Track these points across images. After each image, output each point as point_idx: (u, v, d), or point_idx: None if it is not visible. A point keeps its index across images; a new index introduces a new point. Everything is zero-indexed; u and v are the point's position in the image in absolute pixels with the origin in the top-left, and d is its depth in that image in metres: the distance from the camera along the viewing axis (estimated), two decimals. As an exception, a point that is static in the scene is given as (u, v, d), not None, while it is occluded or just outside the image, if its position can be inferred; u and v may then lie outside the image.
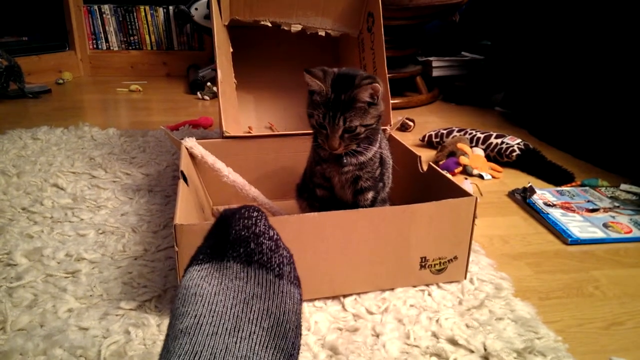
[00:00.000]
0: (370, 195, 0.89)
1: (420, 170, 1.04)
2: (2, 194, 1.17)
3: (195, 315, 0.42)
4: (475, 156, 1.47)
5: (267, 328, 0.43)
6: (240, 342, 0.41)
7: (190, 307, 0.43)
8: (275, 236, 0.49)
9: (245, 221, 0.48)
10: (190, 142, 1.05)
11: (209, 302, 0.43)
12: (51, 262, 0.90)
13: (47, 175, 1.29)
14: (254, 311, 0.44)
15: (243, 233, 0.47)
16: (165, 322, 0.75)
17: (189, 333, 0.41)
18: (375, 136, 0.86)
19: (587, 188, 1.32)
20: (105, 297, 0.82)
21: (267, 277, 0.46)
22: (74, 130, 1.66)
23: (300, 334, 0.47)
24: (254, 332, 0.42)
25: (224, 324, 0.42)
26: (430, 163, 1.01)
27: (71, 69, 2.62)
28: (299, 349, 0.46)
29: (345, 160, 0.84)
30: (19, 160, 1.39)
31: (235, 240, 0.47)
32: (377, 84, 0.78)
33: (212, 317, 0.42)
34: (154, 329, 0.74)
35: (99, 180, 1.27)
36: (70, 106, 2.12)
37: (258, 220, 0.48)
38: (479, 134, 1.58)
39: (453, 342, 0.73)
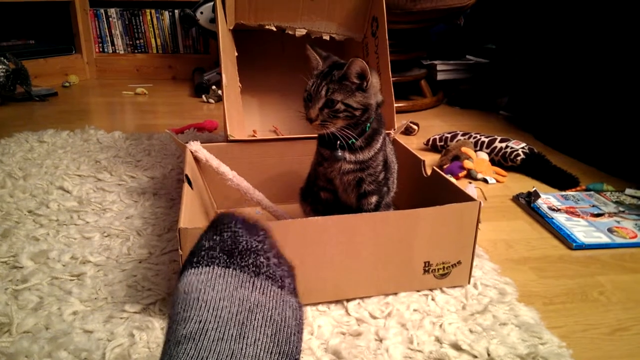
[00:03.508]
0: (374, 199, 0.89)
1: (424, 174, 1.04)
2: (8, 197, 1.18)
3: (200, 321, 0.43)
4: (479, 160, 1.47)
5: (271, 335, 0.44)
6: (245, 348, 0.42)
7: (193, 312, 0.43)
8: (278, 253, 0.52)
9: (255, 237, 0.50)
10: (195, 146, 1.05)
11: (213, 307, 0.44)
12: (57, 265, 0.91)
13: (53, 178, 1.30)
14: (258, 319, 0.44)
15: (254, 245, 0.49)
16: (169, 325, 0.76)
17: (194, 338, 0.41)
18: (376, 136, 0.86)
19: (592, 193, 1.32)
20: (110, 300, 0.82)
21: (272, 287, 0.48)
22: (80, 133, 1.67)
23: (301, 339, 0.47)
24: (259, 339, 0.43)
25: (229, 330, 0.42)
26: (434, 167, 1.01)
27: (77, 72, 2.63)
28: (300, 352, 0.46)
29: (339, 154, 0.84)
30: (25, 163, 1.40)
31: (245, 250, 0.49)
32: (365, 63, 0.79)
33: (218, 322, 0.43)
34: (158, 332, 0.74)
35: (105, 183, 1.28)
36: (76, 109, 2.14)
37: (265, 238, 0.51)
38: (483, 138, 1.57)
39: (456, 347, 0.73)
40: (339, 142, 0.84)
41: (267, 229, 0.53)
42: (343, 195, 0.91)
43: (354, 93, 0.81)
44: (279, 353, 0.43)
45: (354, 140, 0.83)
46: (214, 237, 0.50)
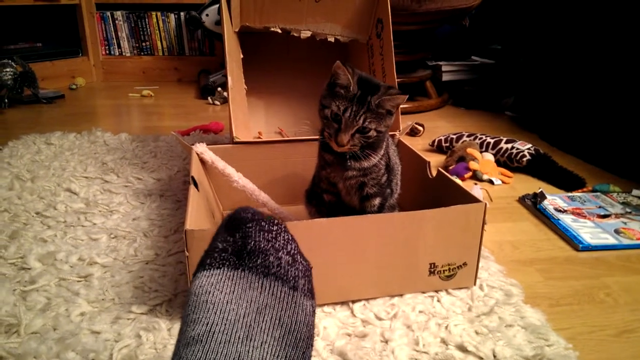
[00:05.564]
0: (377, 201, 0.90)
1: (430, 175, 1.04)
2: (16, 199, 1.19)
3: (207, 323, 0.43)
4: (485, 161, 1.47)
5: (279, 337, 0.44)
6: (252, 350, 0.41)
7: (202, 314, 0.44)
8: (293, 250, 0.50)
9: (266, 234, 0.49)
10: (201, 148, 1.06)
11: (221, 310, 0.44)
12: (64, 266, 0.92)
13: (60, 180, 1.31)
14: (266, 321, 0.44)
15: (263, 245, 0.48)
16: (176, 326, 0.76)
17: (201, 340, 0.42)
18: (380, 144, 0.86)
19: (598, 194, 1.31)
20: (117, 301, 0.83)
21: (282, 289, 0.47)
22: (86, 135, 1.69)
23: (312, 345, 0.47)
24: (266, 342, 0.43)
25: (236, 332, 0.42)
26: (440, 168, 1.01)
27: (84, 75, 2.65)
28: (309, 359, 0.46)
29: (349, 164, 0.84)
30: (33, 165, 1.42)
31: (253, 251, 0.48)
32: (405, 97, 0.80)
33: (225, 325, 0.43)
34: (164, 333, 0.74)
35: (111, 185, 1.29)
36: (83, 111, 2.15)
37: (278, 235, 0.49)
38: (488, 139, 1.57)
39: (462, 348, 0.73)
40: (348, 154, 0.84)
41: (282, 224, 0.51)
42: (346, 197, 0.91)
43: (384, 118, 0.81)
44: (286, 357, 0.43)
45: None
46: (228, 237, 0.49)
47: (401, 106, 1.28)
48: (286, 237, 0.50)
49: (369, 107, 0.79)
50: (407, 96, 0.80)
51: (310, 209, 1.00)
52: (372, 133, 0.80)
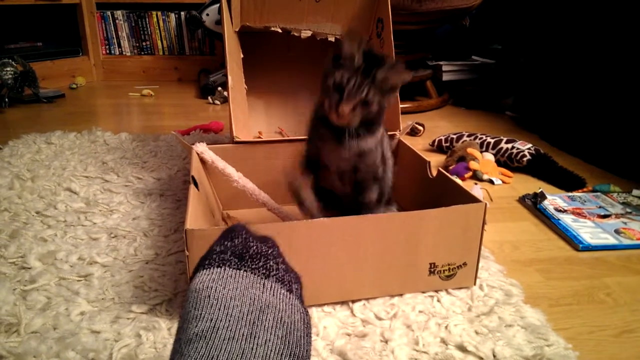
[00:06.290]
0: (373, 195, 0.88)
1: (430, 175, 1.04)
2: (16, 198, 1.19)
3: (211, 319, 0.43)
4: (485, 161, 1.47)
5: (282, 336, 0.44)
6: (256, 348, 0.42)
7: (204, 310, 0.44)
8: (286, 262, 0.53)
9: (265, 243, 0.52)
10: (201, 147, 1.06)
11: (224, 306, 0.44)
12: (64, 266, 0.92)
13: (60, 179, 1.31)
14: (269, 320, 0.44)
15: (264, 250, 0.50)
16: (176, 325, 0.76)
17: (205, 337, 0.42)
18: (379, 120, 0.84)
19: (598, 194, 1.31)
20: (117, 301, 0.83)
21: (282, 290, 0.48)
22: (87, 134, 1.69)
23: (310, 343, 0.48)
24: (269, 340, 0.43)
25: (240, 329, 0.42)
26: (440, 168, 1.01)
27: (84, 74, 2.65)
28: (310, 357, 0.47)
29: (346, 141, 0.81)
30: (33, 164, 1.42)
31: (256, 254, 0.49)
32: (410, 73, 0.78)
33: (229, 321, 0.43)
34: (164, 332, 0.74)
35: (112, 185, 1.29)
36: (83, 111, 2.15)
37: (275, 249, 0.52)
38: (489, 139, 1.57)
39: (462, 348, 0.73)
40: (347, 131, 0.80)
41: (274, 242, 0.54)
42: (337, 184, 0.88)
43: (388, 94, 0.80)
44: (290, 355, 0.43)
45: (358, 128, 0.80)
46: (225, 242, 0.51)
47: (401, 106, 1.28)
48: (279, 251, 0.53)
49: (374, 80, 0.76)
50: (412, 72, 0.77)
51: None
52: (374, 107, 0.78)
